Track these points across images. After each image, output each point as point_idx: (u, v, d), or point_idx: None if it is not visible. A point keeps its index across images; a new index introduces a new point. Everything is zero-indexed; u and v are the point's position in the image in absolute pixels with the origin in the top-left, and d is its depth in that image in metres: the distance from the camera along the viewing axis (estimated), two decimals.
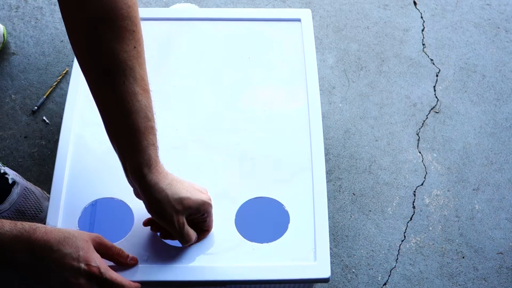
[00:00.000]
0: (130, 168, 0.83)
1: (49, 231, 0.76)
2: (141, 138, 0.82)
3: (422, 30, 1.53)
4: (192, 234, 0.89)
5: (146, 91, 0.83)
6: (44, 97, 1.38)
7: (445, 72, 1.47)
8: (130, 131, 0.82)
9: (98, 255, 0.79)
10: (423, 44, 1.51)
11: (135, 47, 0.82)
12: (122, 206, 0.96)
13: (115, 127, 0.84)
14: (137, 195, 0.89)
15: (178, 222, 0.85)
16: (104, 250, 0.83)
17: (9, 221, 0.75)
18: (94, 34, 0.81)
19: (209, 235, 0.94)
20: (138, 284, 0.84)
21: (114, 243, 0.91)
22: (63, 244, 0.76)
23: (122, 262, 0.86)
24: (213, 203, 0.91)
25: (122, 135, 0.83)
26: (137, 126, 0.82)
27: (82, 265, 0.76)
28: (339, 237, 1.24)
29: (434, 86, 1.45)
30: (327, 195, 0.99)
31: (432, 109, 1.41)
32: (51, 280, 0.76)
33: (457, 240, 1.25)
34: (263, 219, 0.97)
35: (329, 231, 1.23)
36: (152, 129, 0.84)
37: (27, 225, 0.75)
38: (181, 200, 0.85)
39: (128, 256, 0.87)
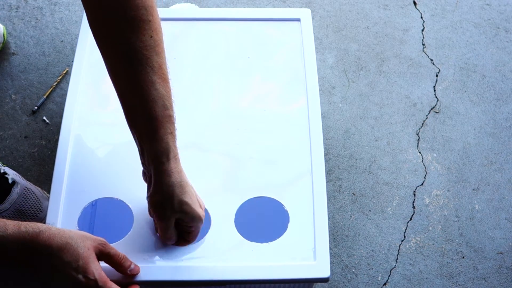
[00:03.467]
0: (148, 155, 0.85)
1: (52, 235, 0.75)
2: (159, 127, 0.84)
3: (422, 30, 1.53)
4: (174, 235, 0.90)
5: (164, 80, 0.85)
6: (44, 97, 1.38)
7: (445, 72, 1.47)
8: (148, 120, 0.83)
9: (98, 266, 0.78)
10: (423, 44, 1.51)
11: (151, 37, 0.83)
12: (122, 206, 0.96)
13: (133, 115, 0.85)
14: (145, 178, 0.90)
15: (169, 219, 0.87)
16: (106, 257, 0.82)
17: (13, 222, 0.75)
18: (110, 26, 0.82)
19: (209, 235, 0.94)
20: None
21: (114, 243, 0.91)
22: (64, 252, 0.75)
23: (122, 271, 0.86)
24: (213, 203, 0.91)
25: (140, 123, 0.85)
26: (155, 115, 0.83)
27: (80, 276, 0.75)
28: (339, 237, 1.24)
29: (434, 86, 1.45)
30: (327, 195, 0.99)
31: (432, 109, 1.41)
32: (52, 285, 0.76)
33: (457, 240, 1.25)
34: (263, 219, 0.97)
35: (329, 231, 1.23)
36: (170, 118, 0.85)
37: (30, 228, 0.75)
38: (181, 203, 0.86)
39: (129, 266, 0.86)
